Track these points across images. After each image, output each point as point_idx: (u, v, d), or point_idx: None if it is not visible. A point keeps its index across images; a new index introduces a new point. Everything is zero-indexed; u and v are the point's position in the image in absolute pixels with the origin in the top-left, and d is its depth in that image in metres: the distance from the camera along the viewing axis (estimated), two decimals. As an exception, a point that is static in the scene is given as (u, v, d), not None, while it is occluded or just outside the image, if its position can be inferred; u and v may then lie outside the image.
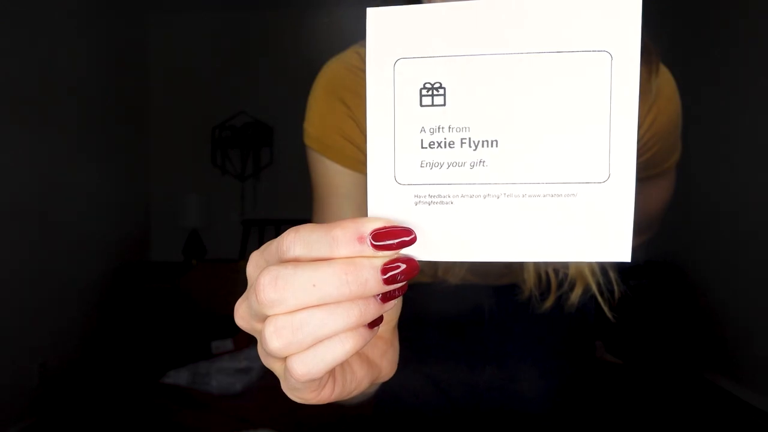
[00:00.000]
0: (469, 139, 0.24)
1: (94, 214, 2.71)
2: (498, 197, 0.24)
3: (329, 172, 0.57)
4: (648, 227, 0.75)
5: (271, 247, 0.24)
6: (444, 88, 0.24)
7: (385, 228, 0.23)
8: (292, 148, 3.28)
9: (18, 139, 2.19)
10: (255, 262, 0.26)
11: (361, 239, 0.23)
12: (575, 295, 0.59)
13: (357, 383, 0.28)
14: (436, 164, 0.24)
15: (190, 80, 3.31)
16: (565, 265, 0.59)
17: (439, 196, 0.25)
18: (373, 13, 0.24)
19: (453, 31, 0.24)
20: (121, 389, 2.17)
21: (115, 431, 1.93)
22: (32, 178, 2.28)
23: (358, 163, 0.55)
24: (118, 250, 2.94)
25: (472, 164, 0.24)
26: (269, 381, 2.25)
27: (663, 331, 2.56)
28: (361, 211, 0.54)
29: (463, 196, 0.24)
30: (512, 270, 0.65)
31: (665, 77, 0.61)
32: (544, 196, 0.24)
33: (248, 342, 2.46)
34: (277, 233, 3.14)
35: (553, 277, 0.59)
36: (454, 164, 0.24)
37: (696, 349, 2.56)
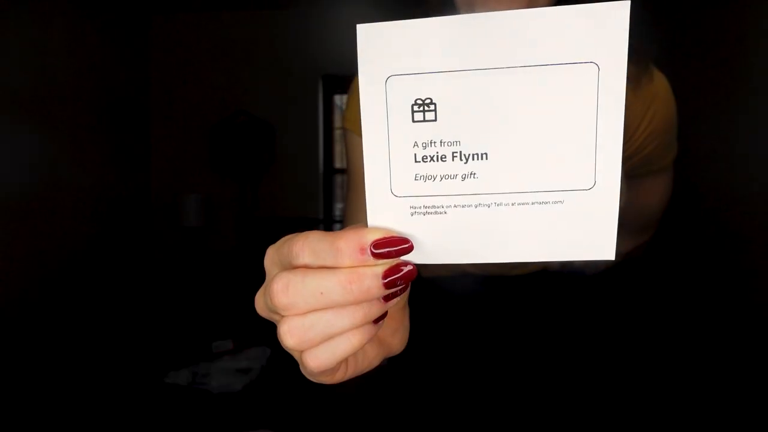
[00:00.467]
0: (460, 152, 0.25)
1: (93, 213, 2.71)
2: (489, 206, 0.25)
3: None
4: (647, 226, 0.77)
5: (283, 249, 0.26)
6: (435, 104, 0.25)
7: (384, 238, 0.25)
8: (292, 149, 3.29)
9: (17, 139, 2.19)
10: (271, 258, 0.28)
11: (362, 250, 0.24)
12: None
13: (369, 362, 0.31)
14: (430, 177, 0.25)
15: (190, 80, 3.31)
16: None
17: (434, 206, 0.26)
18: (363, 29, 0.25)
19: (442, 47, 0.24)
20: (121, 389, 2.17)
21: (115, 431, 1.93)
22: (32, 177, 2.28)
23: None
24: (119, 251, 2.93)
25: (463, 176, 0.25)
26: (269, 381, 2.25)
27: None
28: None
29: (455, 206, 0.25)
30: None
31: (660, 81, 0.64)
32: (532, 203, 0.25)
33: (248, 342, 2.46)
34: (276, 233, 3.13)
35: None
36: (447, 177, 0.25)
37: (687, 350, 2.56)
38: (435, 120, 0.25)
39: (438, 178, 0.25)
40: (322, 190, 3.39)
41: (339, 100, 3.54)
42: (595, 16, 0.23)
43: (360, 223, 0.27)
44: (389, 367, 0.84)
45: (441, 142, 0.25)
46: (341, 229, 0.27)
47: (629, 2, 0.23)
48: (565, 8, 0.23)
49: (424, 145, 0.25)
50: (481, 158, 0.25)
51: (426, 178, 0.25)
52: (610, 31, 0.23)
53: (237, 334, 2.51)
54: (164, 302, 2.93)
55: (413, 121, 0.25)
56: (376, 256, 0.25)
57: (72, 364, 2.41)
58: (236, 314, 2.70)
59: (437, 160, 0.25)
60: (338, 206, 3.53)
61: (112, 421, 1.96)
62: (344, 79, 3.35)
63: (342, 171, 3.50)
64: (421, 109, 0.25)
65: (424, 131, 0.25)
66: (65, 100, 2.50)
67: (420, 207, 0.26)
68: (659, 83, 0.65)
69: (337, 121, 3.52)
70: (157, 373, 2.21)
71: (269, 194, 3.28)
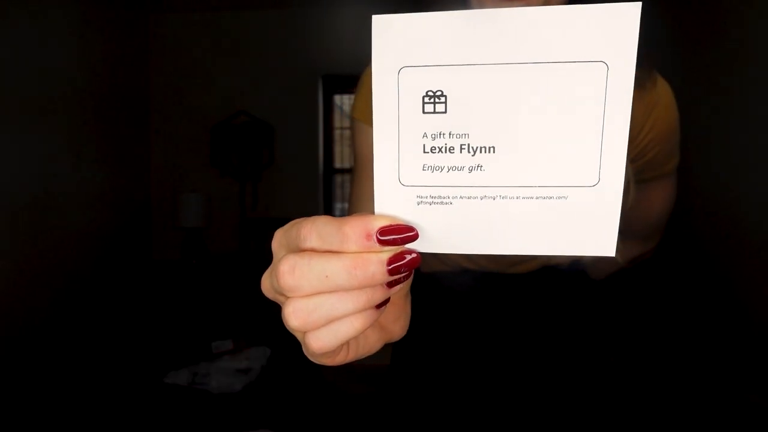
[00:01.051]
0: (468, 145, 0.25)
1: (94, 213, 2.71)
2: (494, 198, 0.26)
3: (371, 139, 0.65)
4: (653, 233, 0.77)
5: (291, 232, 0.27)
6: (445, 96, 0.25)
7: (390, 226, 0.25)
8: (292, 149, 3.29)
9: (17, 139, 2.19)
10: (278, 241, 0.28)
11: (368, 236, 0.25)
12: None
13: (370, 347, 0.31)
14: (437, 168, 0.26)
15: (190, 80, 3.31)
16: None
17: (440, 197, 0.26)
18: (378, 21, 0.25)
19: (455, 40, 0.25)
20: (121, 389, 2.17)
21: (114, 431, 1.93)
22: (32, 177, 2.28)
23: None
24: (119, 250, 2.93)
25: (470, 168, 0.26)
26: (269, 381, 2.25)
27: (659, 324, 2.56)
28: None
29: (461, 197, 0.26)
30: None
31: (663, 87, 0.65)
32: (537, 198, 0.25)
33: (248, 342, 2.46)
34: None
35: None
36: (454, 168, 0.26)
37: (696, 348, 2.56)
38: (445, 112, 0.25)
39: (445, 169, 0.26)
40: (322, 190, 3.39)
41: (339, 100, 3.54)
42: (606, 15, 0.23)
43: (366, 211, 0.28)
44: (389, 366, 0.84)
45: (450, 134, 0.25)
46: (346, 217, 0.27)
47: (640, 3, 0.23)
48: (577, 7, 0.23)
49: (433, 136, 0.26)
50: (489, 151, 0.25)
51: (434, 168, 0.26)
52: (620, 31, 0.23)
53: (237, 334, 2.51)
54: (164, 302, 2.93)
55: (423, 112, 0.25)
56: (381, 242, 0.25)
57: (72, 364, 2.41)
58: (236, 314, 2.70)
59: (445, 152, 0.26)
60: (338, 206, 3.53)
61: (113, 422, 1.96)
62: (344, 79, 3.35)
63: (341, 171, 3.50)
64: (432, 100, 0.25)
65: (434, 123, 0.26)
66: (65, 100, 2.50)
67: (427, 197, 0.26)
68: (662, 89, 0.65)
69: (337, 121, 3.52)
70: (157, 374, 2.21)
71: (269, 194, 3.28)
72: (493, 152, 0.25)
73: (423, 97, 0.25)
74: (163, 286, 3.04)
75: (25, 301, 2.22)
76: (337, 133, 3.51)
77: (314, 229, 0.26)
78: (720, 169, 2.44)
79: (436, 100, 0.25)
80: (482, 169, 0.25)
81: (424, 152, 0.26)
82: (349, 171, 3.49)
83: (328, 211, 3.46)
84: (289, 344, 2.61)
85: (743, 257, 2.28)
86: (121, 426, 1.94)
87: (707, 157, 2.50)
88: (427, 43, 0.25)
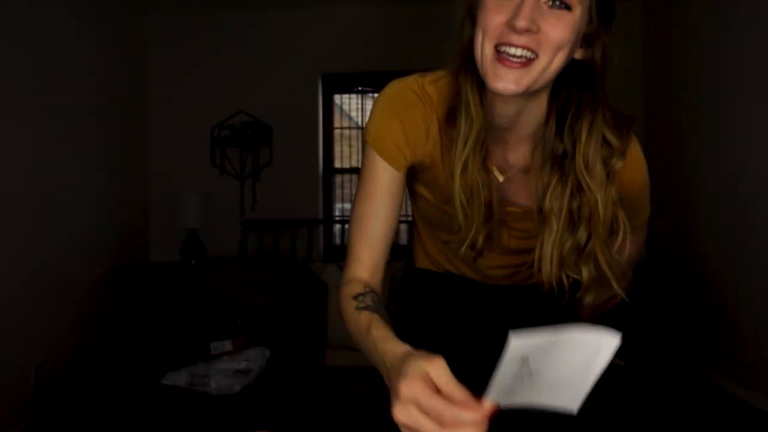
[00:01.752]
0: None
1: (93, 214, 2.70)
2: None
3: (378, 168, 0.71)
4: (622, 275, 0.81)
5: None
6: None
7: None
8: (292, 148, 3.28)
9: (17, 139, 2.19)
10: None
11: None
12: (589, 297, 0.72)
13: None
14: None
15: (190, 80, 3.31)
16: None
17: None
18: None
19: None
20: (120, 390, 2.16)
21: (113, 432, 1.93)
22: (31, 177, 2.27)
23: (401, 165, 0.72)
24: (118, 251, 2.93)
25: None
26: (269, 382, 2.25)
27: (663, 330, 2.56)
28: (395, 200, 0.72)
29: None
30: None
31: (633, 148, 0.68)
32: None
33: (246, 343, 2.45)
34: (276, 233, 3.13)
35: (566, 281, 0.70)
36: None
37: (695, 346, 2.56)
38: None
39: None
40: (322, 190, 3.38)
41: (339, 99, 3.54)
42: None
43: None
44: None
45: None
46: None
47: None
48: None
49: None
50: None
51: None
52: None
53: (236, 335, 2.50)
54: (162, 303, 2.92)
55: None
56: None
57: (70, 365, 2.41)
58: (235, 315, 2.69)
59: None
60: (338, 206, 3.52)
61: (111, 423, 1.95)
62: (344, 78, 3.35)
63: (341, 171, 3.49)
64: None
65: None
66: (65, 100, 2.50)
67: None
68: (631, 149, 0.68)
69: (337, 121, 3.51)
70: (156, 375, 2.21)
71: (269, 194, 3.28)
72: None
73: None
74: (161, 286, 3.03)
75: (23, 300, 2.21)
76: (337, 133, 3.50)
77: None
78: (719, 169, 2.44)
79: None
80: None
81: None
82: (349, 171, 3.47)
83: (328, 210, 3.44)
84: (289, 345, 2.61)
85: (743, 258, 2.28)
86: (120, 427, 1.94)
87: (707, 158, 2.50)
88: None
